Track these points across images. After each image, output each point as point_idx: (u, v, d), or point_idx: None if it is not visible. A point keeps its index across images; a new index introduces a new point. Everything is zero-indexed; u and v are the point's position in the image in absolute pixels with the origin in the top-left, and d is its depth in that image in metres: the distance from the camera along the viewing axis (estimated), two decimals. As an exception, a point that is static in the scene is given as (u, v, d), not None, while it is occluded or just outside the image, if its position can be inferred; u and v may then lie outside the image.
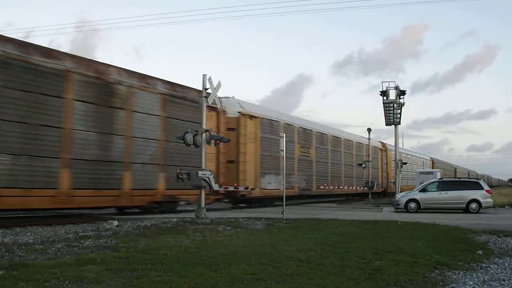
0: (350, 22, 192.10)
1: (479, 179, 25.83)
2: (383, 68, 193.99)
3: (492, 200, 21.95)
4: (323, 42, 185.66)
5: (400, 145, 35.28)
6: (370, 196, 33.14)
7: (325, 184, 31.08)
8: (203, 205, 14.70)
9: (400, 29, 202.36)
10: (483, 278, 7.29)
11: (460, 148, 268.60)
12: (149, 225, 12.43)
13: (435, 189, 22.04)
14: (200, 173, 14.51)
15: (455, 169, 75.49)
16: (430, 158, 58.94)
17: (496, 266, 8.26)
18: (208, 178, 14.68)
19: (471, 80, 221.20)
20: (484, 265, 8.34)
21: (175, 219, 13.72)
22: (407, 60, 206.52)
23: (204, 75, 15.02)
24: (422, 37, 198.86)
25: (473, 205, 20.89)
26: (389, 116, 28.53)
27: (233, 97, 23.03)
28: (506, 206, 25.33)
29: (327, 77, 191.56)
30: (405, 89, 28.80)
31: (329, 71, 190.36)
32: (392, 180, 38.38)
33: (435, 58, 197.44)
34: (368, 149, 35.76)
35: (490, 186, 28.18)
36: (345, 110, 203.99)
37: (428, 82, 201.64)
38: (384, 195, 40.23)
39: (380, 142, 43.96)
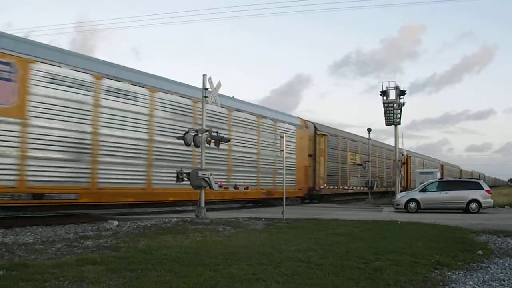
0: (348, 23, 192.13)
1: (479, 179, 25.85)
2: (381, 69, 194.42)
3: (492, 200, 21.94)
4: (321, 42, 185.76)
5: (400, 146, 34.38)
6: (370, 196, 33.15)
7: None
8: (203, 205, 14.69)
9: (398, 29, 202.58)
10: (483, 278, 7.28)
11: (460, 148, 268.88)
12: (149, 225, 12.44)
13: (435, 189, 22.06)
14: (200, 173, 14.51)
15: (423, 161, 55.55)
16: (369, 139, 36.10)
17: (496, 266, 8.26)
18: (208, 178, 14.68)
19: (469, 80, 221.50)
20: (484, 265, 8.33)
21: (175, 219, 13.72)
22: (405, 61, 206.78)
23: (204, 75, 15.05)
24: (420, 38, 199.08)
25: (473, 205, 20.90)
26: (389, 116, 28.58)
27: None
28: (506, 206, 25.33)
29: (325, 77, 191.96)
30: (404, 89, 28.93)
31: (326, 71, 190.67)
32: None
33: (433, 58, 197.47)
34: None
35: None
36: (344, 110, 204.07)
37: (426, 82, 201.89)
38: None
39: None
